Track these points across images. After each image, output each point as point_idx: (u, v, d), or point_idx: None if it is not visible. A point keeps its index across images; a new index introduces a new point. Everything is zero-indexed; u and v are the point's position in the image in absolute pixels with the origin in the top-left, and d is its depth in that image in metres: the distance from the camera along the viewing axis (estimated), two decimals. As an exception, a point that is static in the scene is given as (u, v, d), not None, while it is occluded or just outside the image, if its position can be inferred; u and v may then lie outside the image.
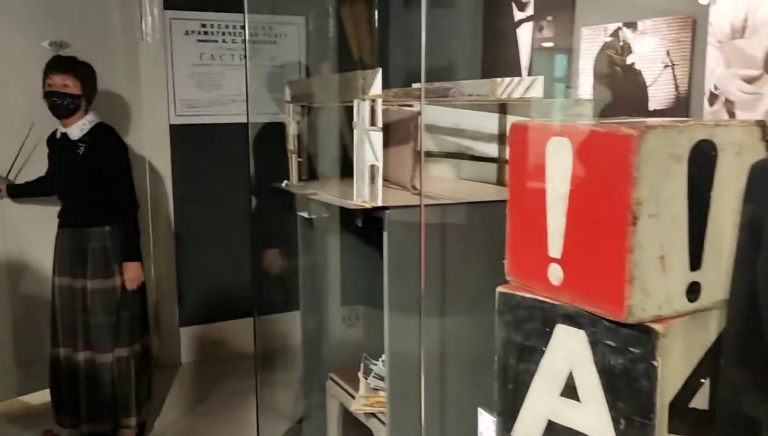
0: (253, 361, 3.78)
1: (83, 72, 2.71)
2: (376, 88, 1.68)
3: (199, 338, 3.91)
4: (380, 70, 1.67)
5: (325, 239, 2.28)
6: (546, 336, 1.46)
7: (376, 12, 3.01)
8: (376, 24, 3.04)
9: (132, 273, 2.74)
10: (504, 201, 1.61)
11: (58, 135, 2.77)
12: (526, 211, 1.56)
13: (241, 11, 3.64)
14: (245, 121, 3.76)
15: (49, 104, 2.67)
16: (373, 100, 1.69)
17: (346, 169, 3.25)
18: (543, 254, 1.46)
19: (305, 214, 2.04)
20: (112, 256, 2.72)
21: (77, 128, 2.71)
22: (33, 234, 3.17)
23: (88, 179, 2.70)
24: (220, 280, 3.90)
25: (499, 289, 1.60)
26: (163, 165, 3.70)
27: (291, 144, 2.24)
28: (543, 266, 1.47)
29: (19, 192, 3.11)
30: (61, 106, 2.66)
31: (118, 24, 3.48)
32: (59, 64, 2.71)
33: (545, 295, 1.44)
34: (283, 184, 2.22)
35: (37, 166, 3.08)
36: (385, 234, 1.74)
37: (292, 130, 2.22)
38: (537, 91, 1.83)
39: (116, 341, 2.74)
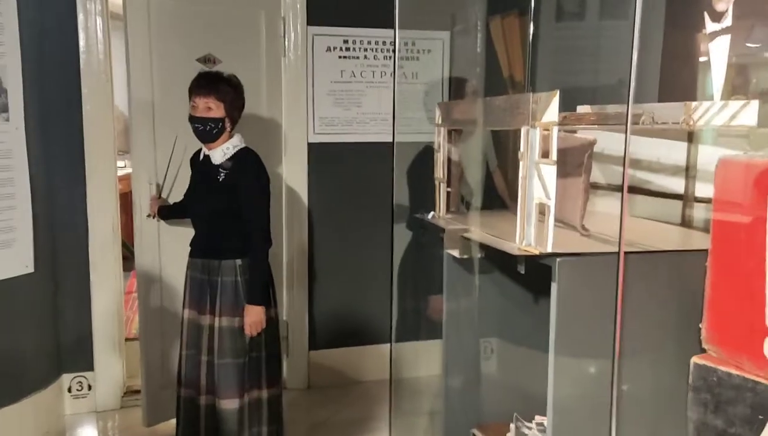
0: (381, 388, 3.67)
1: (227, 91, 2.49)
2: (552, 113, 1.42)
3: (329, 362, 3.79)
4: (557, 94, 1.41)
5: (472, 276, 2.04)
6: (758, 424, 1.18)
7: (531, 26, 2.74)
8: (530, 39, 2.77)
9: (253, 317, 2.48)
10: (703, 251, 1.31)
11: (201, 156, 2.61)
12: (736, 267, 1.26)
13: (385, 26, 3.52)
14: (385, 140, 3.66)
15: (192, 129, 2.51)
16: (547, 129, 1.43)
17: (498, 201, 3.02)
18: (758, 324, 1.19)
19: (455, 254, 1.80)
20: (243, 292, 2.52)
21: (220, 152, 2.51)
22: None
23: (225, 208, 2.51)
24: (352, 304, 3.78)
25: (695, 360, 1.31)
26: (300, 183, 3.63)
27: (440, 172, 2.02)
28: (758, 337, 1.19)
29: (168, 214, 3.00)
30: (204, 132, 2.47)
31: (264, 41, 3.45)
32: (202, 84, 2.49)
33: (759, 374, 1.17)
34: (429, 216, 2.01)
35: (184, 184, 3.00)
36: (554, 285, 1.47)
37: (441, 156, 2.00)
38: (749, 118, 1.50)
39: (242, 386, 2.52)
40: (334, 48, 3.59)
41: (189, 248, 2.67)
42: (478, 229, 1.80)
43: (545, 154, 1.45)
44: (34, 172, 2.98)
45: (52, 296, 3.24)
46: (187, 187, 2.77)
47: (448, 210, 2.01)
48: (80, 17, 3.15)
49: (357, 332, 3.81)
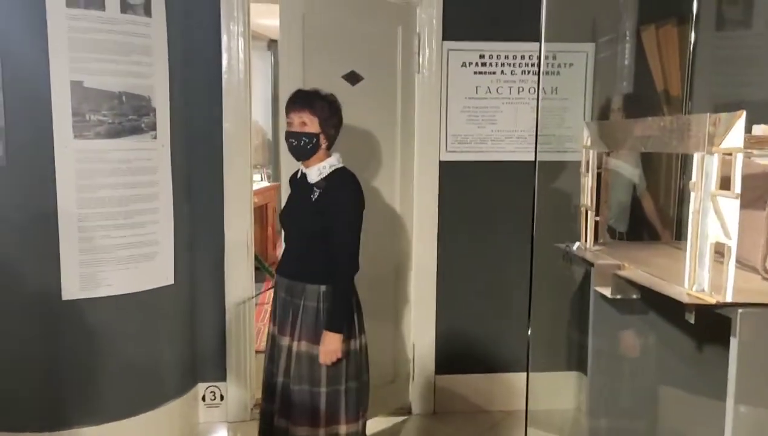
0: (509, 419, 3.48)
1: (321, 107, 2.39)
2: (736, 138, 1.20)
3: (456, 388, 3.64)
4: (743, 114, 1.20)
5: (624, 317, 1.83)
6: None
7: (692, 35, 2.47)
8: (691, 49, 2.50)
9: (329, 345, 2.35)
10: None
11: (299, 175, 2.54)
12: None
13: (524, 39, 3.36)
14: (521, 159, 3.49)
15: (287, 146, 2.43)
16: (728, 155, 1.22)
17: (648, 229, 2.76)
18: None
19: (606, 293, 1.61)
20: (324, 319, 2.39)
21: (316, 171, 2.42)
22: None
23: (314, 229, 2.40)
24: (481, 329, 3.62)
25: None
26: (430, 201, 3.52)
27: (586, 198, 1.83)
28: None
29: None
30: (298, 148, 2.39)
31: (400, 57, 3.39)
32: (296, 100, 2.42)
33: None
34: (574, 247, 1.82)
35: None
36: (734, 340, 1.25)
37: (588, 181, 1.82)
38: None
39: (317, 417, 2.40)
40: (470, 63, 3.46)
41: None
42: (634, 265, 1.59)
43: (724, 186, 1.23)
44: (176, 188, 3.09)
45: (189, 306, 3.34)
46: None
47: (595, 241, 1.81)
48: (224, 39, 3.25)
49: (486, 358, 3.64)
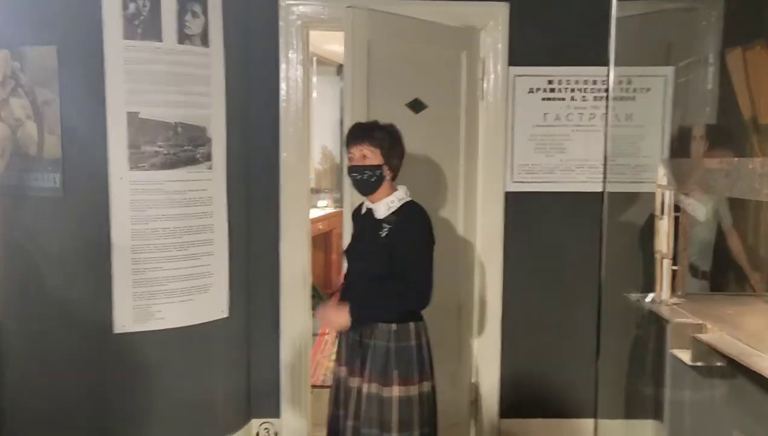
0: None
1: (381, 137, 2.32)
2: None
3: (522, 433, 3.42)
4: None
5: (707, 383, 1.60)
6: None
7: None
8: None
9: (335, 317, 2.32)
10: None
11: (364, 209, 2.45)
12: None
13: (596, 64, 3.14)
14: (593, 190, 3.26)
15: (351, 181, 2.36)
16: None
17: (734, 273, 2.50)
18: None
19: (685, 358, 1.40)
20: (394, 360, 2.29)
21: (384, 205, 2.33)
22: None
23: (384, 266, 2.28)
24: (548, 370, 3.39)
25: None
26: (495, 234, 3.34)
27: (663, 244, 1.62)
28: None
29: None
30: (362, 181, 2.31)
31: (464, 84, 3.24)
32: (355, 132, 2.36)
33: None
34: (648, 299, 1.61)
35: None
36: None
37: (664, 226, 1.61)
38: None
39: None
40: (538, 89, 3.28)
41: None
42: (718, 326, 1.38)
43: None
44: (232, 219, 3.04)
45: (244, 340, 3.27)
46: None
47: (672, 292, 1.60)
48: (282, 67, 3.20)
49: (555, 401, 3.40)
